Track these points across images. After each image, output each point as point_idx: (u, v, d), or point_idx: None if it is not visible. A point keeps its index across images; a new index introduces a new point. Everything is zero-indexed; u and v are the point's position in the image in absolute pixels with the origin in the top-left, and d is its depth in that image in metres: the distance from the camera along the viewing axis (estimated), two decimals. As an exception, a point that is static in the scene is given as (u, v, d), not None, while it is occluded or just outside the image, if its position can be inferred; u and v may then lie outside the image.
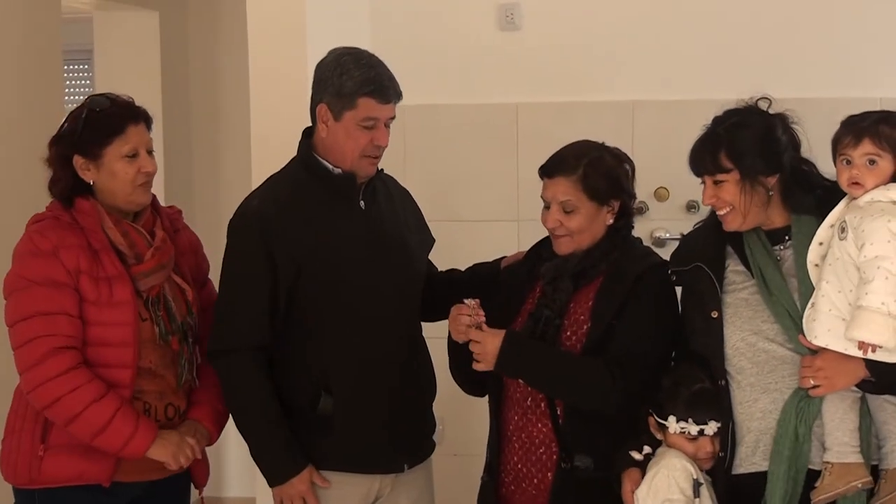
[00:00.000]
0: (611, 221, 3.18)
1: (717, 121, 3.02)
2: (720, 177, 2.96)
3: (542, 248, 3.29)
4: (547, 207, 3.19)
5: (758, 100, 3.03)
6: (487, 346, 3.09)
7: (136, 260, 3.16)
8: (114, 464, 3.14)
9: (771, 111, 3.03)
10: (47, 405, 3.06)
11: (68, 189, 3.16)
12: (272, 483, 3.24)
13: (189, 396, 3.31)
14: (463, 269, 3.58)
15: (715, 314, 3.00)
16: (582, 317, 3.13)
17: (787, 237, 3.00)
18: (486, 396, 3.29)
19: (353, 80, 3.16)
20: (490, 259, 3.55)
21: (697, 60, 4.82)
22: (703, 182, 3.02)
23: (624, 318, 3.08)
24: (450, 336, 3.23)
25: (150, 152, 3.20)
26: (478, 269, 3.55)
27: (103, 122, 3.14)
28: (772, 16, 4.78)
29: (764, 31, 4.78)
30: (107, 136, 3.13)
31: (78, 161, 3.15)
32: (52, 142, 3.20)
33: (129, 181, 3.14)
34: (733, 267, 3.05)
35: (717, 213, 3.01)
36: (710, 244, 3.08)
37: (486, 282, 3.41)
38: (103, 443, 3.08)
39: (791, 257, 2.97)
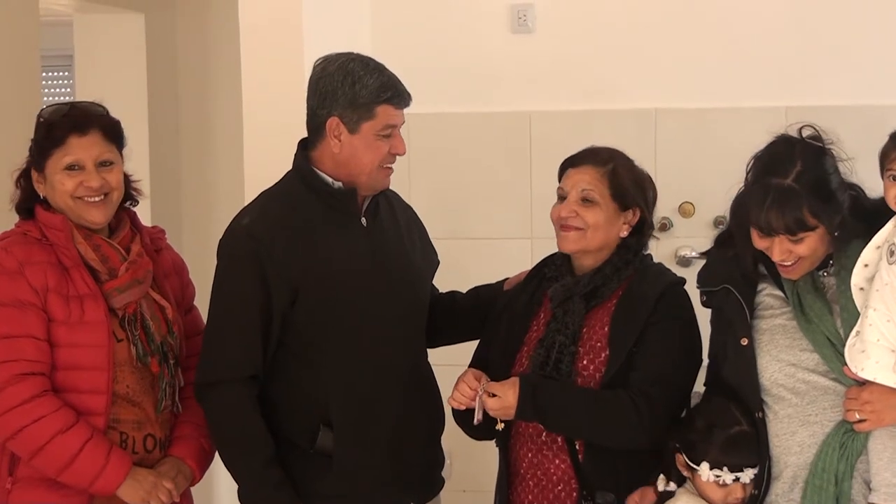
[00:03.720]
0: (625, 234, 3.17)
1: (773, 170, 2.90)
2: (801, 235, 2.88)
3: (546, 268, 3.28)
4: (561, 199, 3.19)
5: (801, 129, 2.96)
6: (509, 399, 3.07)
7: (110, 276, 3.15)
8: (88, 498, 3.12)
9: (792, 133, 2.97)
10: (9, 437, 3.05)
11: (23, 201, 3.20)
12: None
13: (171, 427, 3.29)
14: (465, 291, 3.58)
15: (745, 341, 2.97)
16: (598, 343, 3.11)
17: (830, 262, 2.96)
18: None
19: (367, 88, 3.15)
20: (498, 280, 3.54)
21: (726, 65, 4.82)
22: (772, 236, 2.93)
23: (646, 345, 3.07)
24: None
25: (104, 164, 3.18)
26: (480, 291, 3.54)
27: (45, 133, 3.17)
28: (805, 20, 4.78)
29: (797, 36, 4.78)
30: (48, 148, 3.15)
31: (34, 174, 3.19)
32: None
33: (67, 194, 3.14)
34: (770, 291, 3.02)
35: (783, 264, 2.92)
36: (741, 264, 3.04)
37: (489, 306, 3.40)
38: (70, 478, 3.06)
39: (835, 285, 2.93)
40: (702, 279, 3.15)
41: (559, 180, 3.24)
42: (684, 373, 3.12)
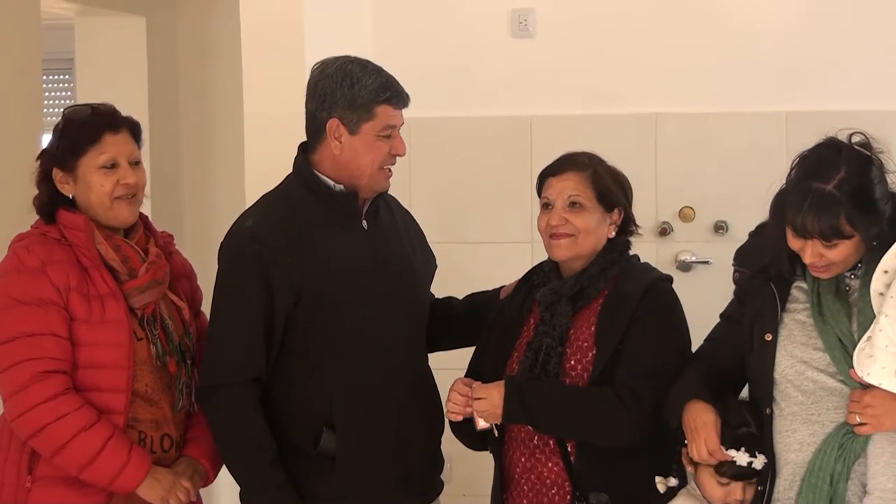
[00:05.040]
0: (613, 235, 3.20)
1: (816, 174, 2.86)
2: (836, 241, 2.86)
3: (534, 275, 3.30)
4: (546, 207, 3.20)
5: (850, 134, 2.91)
6: (494, 399, 3.09)
7: (130, 276, 3.17)
8: (107, 496, 3.13)
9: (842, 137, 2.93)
10: (32, 434, 3.06)
11: (48, 204, 3.19)
12: None
13: (185, 427, 3.30)
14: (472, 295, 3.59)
15: (769, 337, 2.97)
16: (585, 343, 3.13)
17: (859, 264, 2.93)
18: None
19: (366, 88, 3.16)
20: (501, 283, 3.55)
21: (726, 70, 4.84)
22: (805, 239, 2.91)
23: (631, 341, 3.08)
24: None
25: (135, 164, 3.21)
26: (476, 298, 3.55)
27: (78, 131, 3.17)
28: (805, 25, 4.79)
29: (797, 41, 4.80)
30: (81, 146, 3.15)
31: (57, 174, 3.18)
32: (38, 157, 3.24)
33: (107, 194, 3.15)
34: (798, 284, 3.01)
35: (814, 266, 2.90)
36: (775, 261, 3.01)
37: (485, 313, 3.42)
38: (91, 476, 3.07)
39: (859, 288, 2.93)
40: (739, 258, 3.13)
41: (539, 191, 3.26)
42: (671, 366, 3.12)
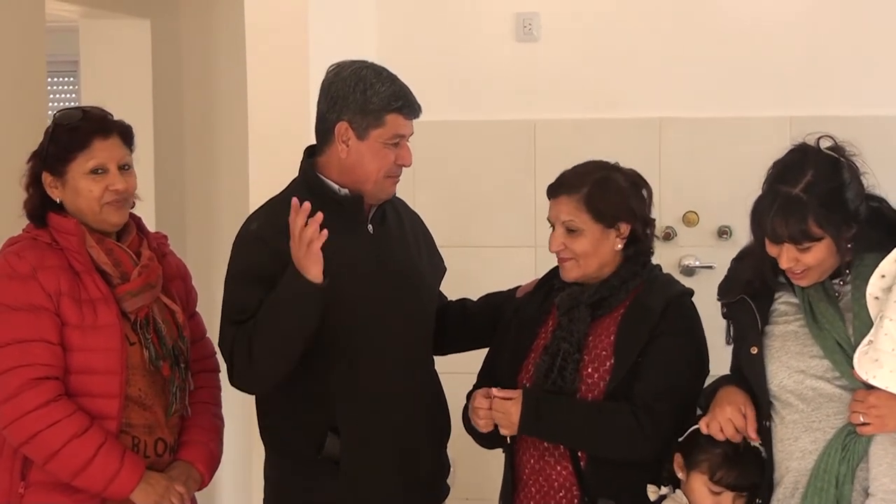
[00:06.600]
0: (619, 247, 3.17)
1: (783, 178, 2.90)
2: (807, 244, 2.88)
3: (555, 277, 3.29)
4: (553, 228, 3.20)
5: (819, 139, 2.93)
6: (513, 417, 3.08)
7: (122, 280, 3.16)
8: (100, 502, 3.13)
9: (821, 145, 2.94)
10: (24, 441, 3.05)
11: (37, 208, 3.18)
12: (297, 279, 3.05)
13: (179, 431, 3.30)
14: (475, 299, 3.58)
15: (755, 350, 2.98)
16: (604, 352, 3.12)
17: (847, 271, 2.95)
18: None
19: (378, 95, 3.16)
20: (504, 288, 3.54)
21: (730, 75, 4.85)
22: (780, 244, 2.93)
23: (650, 356, 3.08)
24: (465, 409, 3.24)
25: (124, 168, 3.20)
26: (491, 299, 3.54)
27: (67, 136, 3.15)
28: (810, 30, 4.80)
29: (801, 46, 4.80)
30: (70, 151, 3.14)
31: (46, 178, 3.17)
32: (28, 160, 3.23)
33: (96, 199, 3.14)
34: (786, 298, 3.02)
35: (792, 272, 2.93)
36: (758, 273, 3.03)
37: (500, 314, 3.41)
38: (84, 482, 3.07)
39: (849, 293, 2.94)
40: (721, 291, 3.14)
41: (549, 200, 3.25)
42: (688, 385, 3.12)
